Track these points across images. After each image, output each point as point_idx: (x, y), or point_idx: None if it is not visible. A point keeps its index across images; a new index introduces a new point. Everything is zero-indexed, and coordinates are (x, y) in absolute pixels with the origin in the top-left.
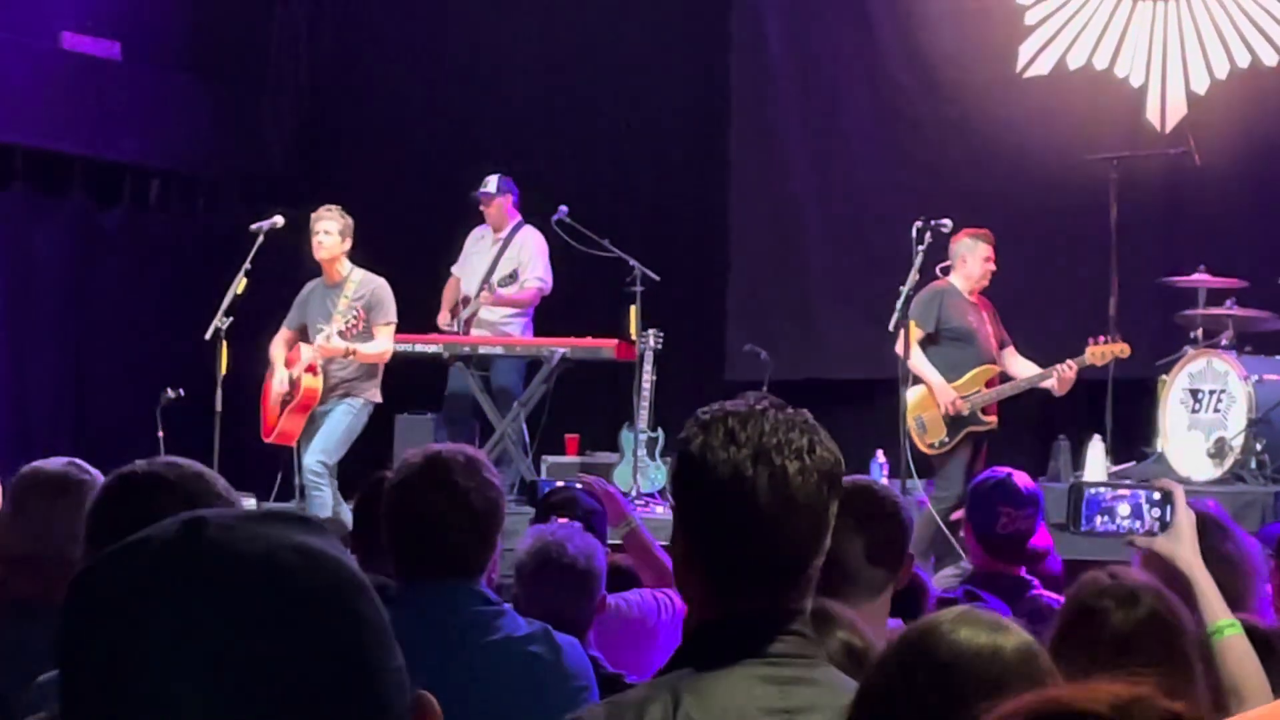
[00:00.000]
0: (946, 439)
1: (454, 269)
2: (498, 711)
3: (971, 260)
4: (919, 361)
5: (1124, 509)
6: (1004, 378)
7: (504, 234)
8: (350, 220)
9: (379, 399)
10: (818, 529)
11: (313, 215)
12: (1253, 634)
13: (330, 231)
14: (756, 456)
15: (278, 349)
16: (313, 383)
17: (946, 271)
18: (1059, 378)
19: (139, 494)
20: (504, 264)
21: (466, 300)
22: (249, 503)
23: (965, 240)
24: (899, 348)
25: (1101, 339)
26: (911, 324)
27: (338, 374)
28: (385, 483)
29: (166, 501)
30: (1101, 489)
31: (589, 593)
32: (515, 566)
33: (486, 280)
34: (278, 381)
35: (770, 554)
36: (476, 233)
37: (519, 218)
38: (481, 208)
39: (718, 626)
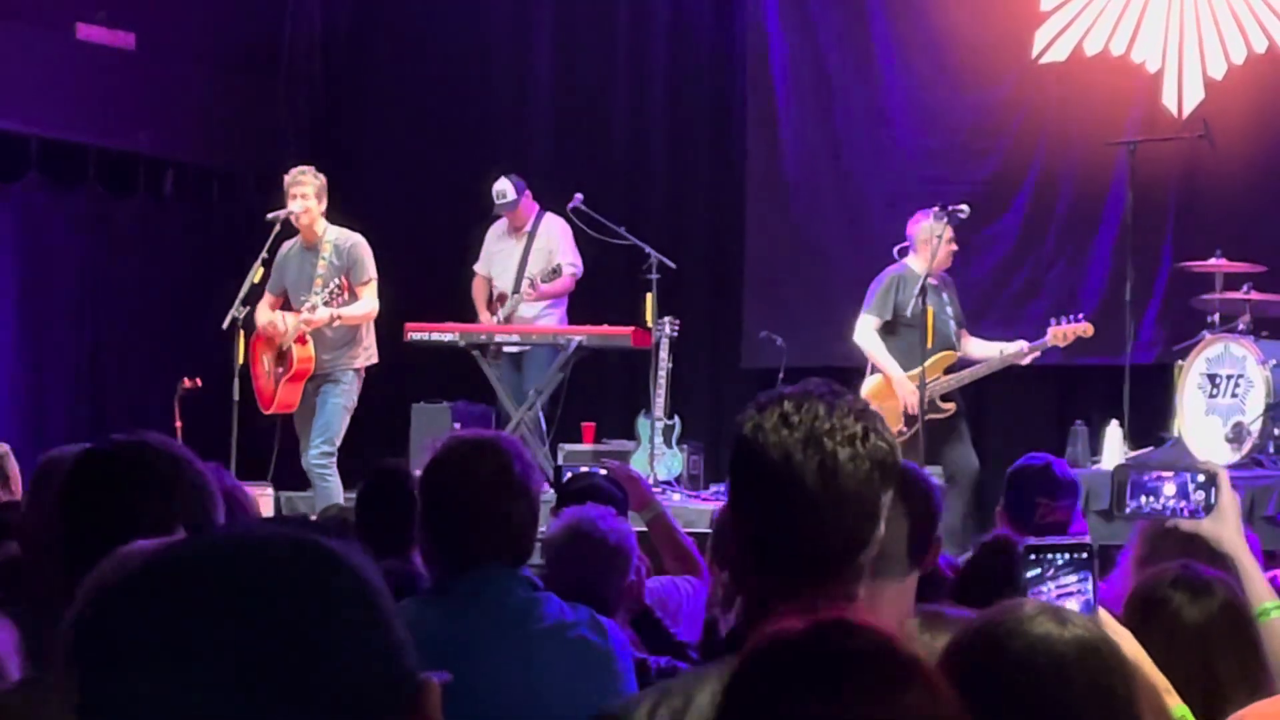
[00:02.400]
0: (904, 429)
1: (478, 268)
2: (556, 697)
3: (935, 243)
4: (876, 351)
5: (1169, 489)
6: (964, 362)
7: (527, 227)
8: (324, 180)
9: (374, 359)
10: (868, 518)
11: (286, 178)
12: None
13: (307, 195)
14: (808, 441)
15: (263, 315)
16: (304, 353)
17: (904, 254)
18: (1023, 358)
19: (111, 475)
20: (535, 257)
21: (503, 298)
22: (265, 492)
23: (925, 224)
24: (859, 337)
25: (1065, 320)
26: (867, 314)
27: (323, 348)
28: (401, 471)
29: (147, 487)
30: (1146, 471)
31: (619, 570)
32: (544, 545)
33: (520, 276)
34: (269, 349)
35: (817, 540)
36: (497, 229)
37: (537, 207)
38: (503, 214)
39: (759, 612)
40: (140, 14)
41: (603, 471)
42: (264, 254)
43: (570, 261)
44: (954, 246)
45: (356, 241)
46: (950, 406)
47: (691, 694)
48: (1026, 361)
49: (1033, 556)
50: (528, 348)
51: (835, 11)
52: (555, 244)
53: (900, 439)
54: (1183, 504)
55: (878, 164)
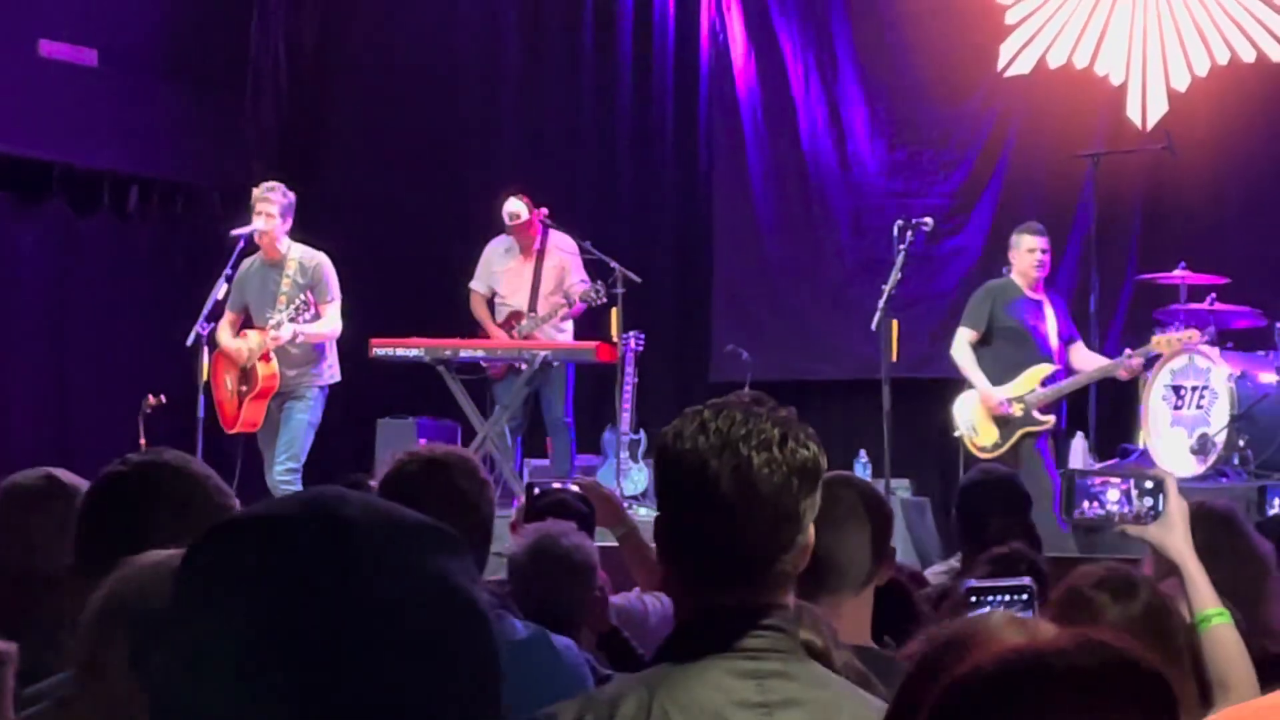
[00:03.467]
0: (999, 441)
1: (476, 285)
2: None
3: (1016, 254)
4: (966, 364)
5: (1113, 495)
6: (1069, 374)
7: (536, 245)
8: (292, 197)
9: (337, 377)
10: (784, 523)
11: (255, 192)
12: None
13: (272, 213)
14: (723, 446)
15: (224, 333)
16: (269, 369)
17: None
18: (1124, 367)
19: (124, 494)
20: (547, 275)
21: (518, 315)
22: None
23: (1013, 236)
24: (954, 350)
25: (1170, 328)
26: (961, 327)
27: (287, 365)
28: (360, 486)
29: (158, 504)
30: (1092, 476)
31: (584, 585)
32: (510, 561)
33: (535, 294)
34: (231, 368)
35: (733, 546)
36: (499, 246)
37: (542, 227)
38: (514, 233)
39: (693, 621)
40: (103, 30)
41: (574, 487)
42: (228, 270)
43: (582, 279)
44: (1035, 256)
45: (321, 261)
46: (1049, 420)
47: (617, 703)
48: (1126, 376)
49: (973, 599)
50: (554, 364)
51: (799, 27)
52: (567, 262)
53: (996, 451)
54: (1127, 509)
55: (843, 177)
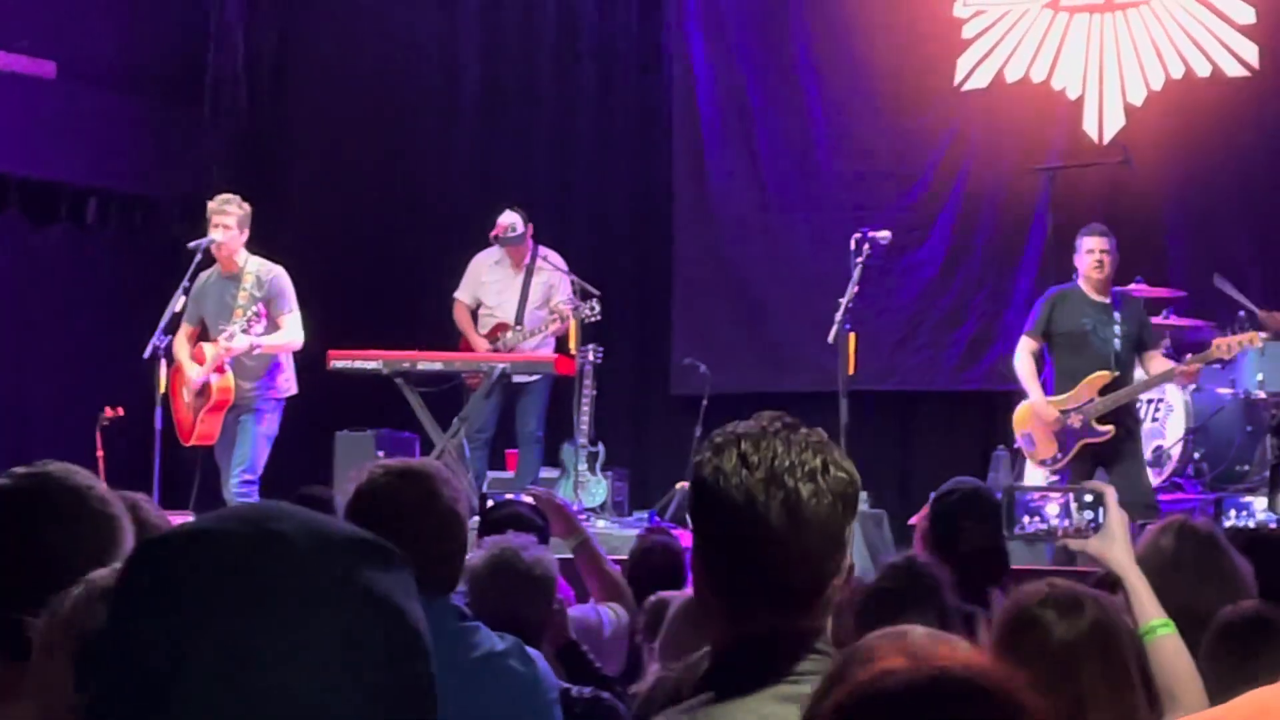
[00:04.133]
0: (1059, 455)
1: (462, 295)
2: None
3: (1078, 258)
4: (1023, 373)
5: (1052, 509)
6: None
7: (527, 260)
8: (248, 210)
9: (294, 389)
10: (833, 549)
11: (210, 205)
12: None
13: (229, 225)
14: (769, 480)
15: (181, 347)
16: (223, 383)
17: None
18: (1180, 373)
19: (9, 509)
20: (535, 291)
21: (504, 327)
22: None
23: (1076, 238)
24: (1014, 359)
25: (1229, 331)
26: (1023, 336)
27: (244, 378)
28: (324, 499)
29: (42, 517)
30: (1031, 491)
31: (543, 599)
32: (469, 573)
33: (522, 308)
34: (187, 383)
35: (786, 577)
36: (488, 258)
37: (532, 243)
38: (505, 245)
39: (737, 651)
40: (61, 42)
41: (527, 499)
42: (185, 282)
43: (569, 296)
44: (1093, 258)
45: (278, 273)
46: (1108, 429)
47: None
48: (1185, 383)
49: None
50: (533, 378)
51: (758, 41)
52: (557, 280)
53: (1055, 465)
54: (1067, 523)
55: (802, 191)
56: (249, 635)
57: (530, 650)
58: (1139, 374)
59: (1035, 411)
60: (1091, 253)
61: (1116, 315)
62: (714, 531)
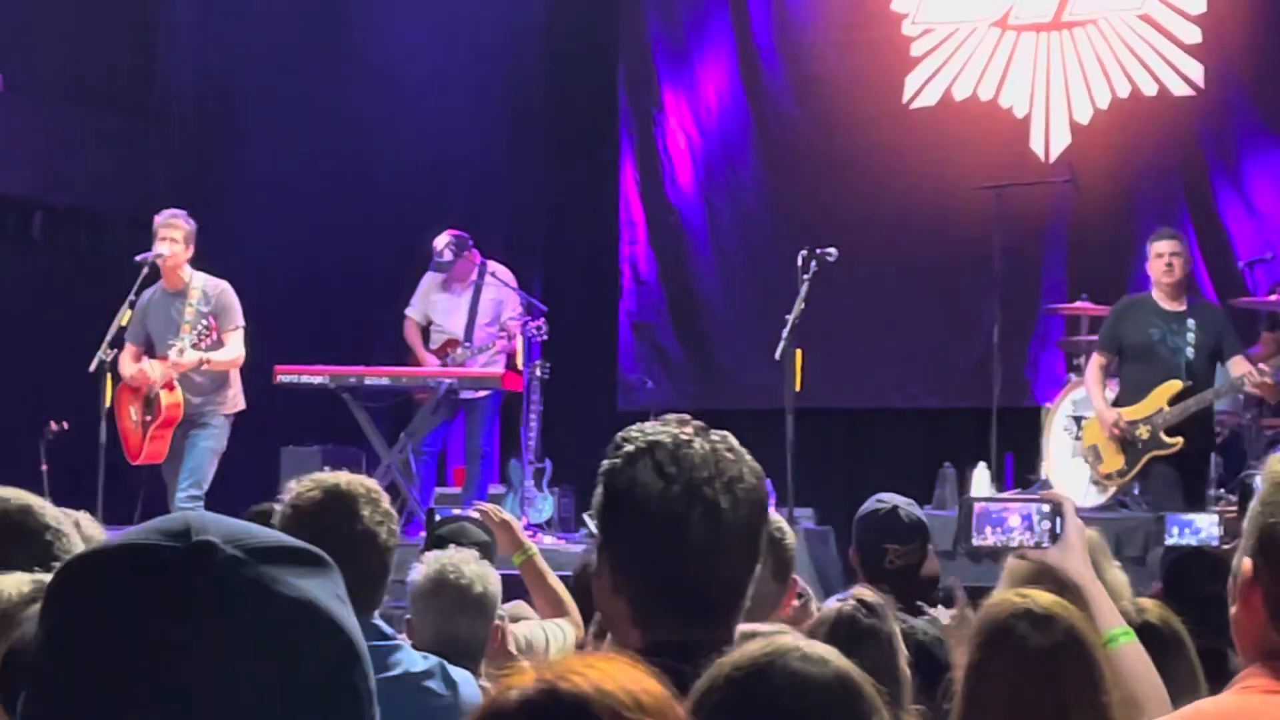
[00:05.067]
0: (1125, 468)
1: (411, 313)
2: None
3: (1149, 264)
4: (1089, 386)
5: (1014, 520)
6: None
7: (472, 278)
8: (194, 226)
9: (242, 405)
10: (751, 558)
11: (157, 219)
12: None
13: (176, 240)
14: (688, 491)
15: (126, 367)
16: (172, 399)
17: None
18: (1251, 384)
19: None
20: (484, 307)
21: (453, 343)
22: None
23: (1146, 246)
24: (1086, 376)
25: None
26: (1095, 351)
27: (192, 392)
28: (268, 515)
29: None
30: (991, 503)
31: (484, 617)
32: (410, 589)
33: (471, 325)
34: (134, 400)
35: (704, 587)
36: (438, 276)
37: (479, 258)
38: (455, 271)
39: (644, 657)
40: (7, 55)
41: (474, 514)
42: (131, 296)
43: (519, 312)
44: (1161, 262)
45: (225, 288)
46: (1175, 442)
47: None
48: (1258, 393)
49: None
50: (481, 393)
51: (709, 59)
52: (505, 295)
53: (1121, 479)
54: (1028, 535)
55: (750, 207)
56: (177, 643)
57: (456, 671)
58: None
59: (1100, 422)
60: (1161, 256)
61: (1190, 324)
62: (627, 541)
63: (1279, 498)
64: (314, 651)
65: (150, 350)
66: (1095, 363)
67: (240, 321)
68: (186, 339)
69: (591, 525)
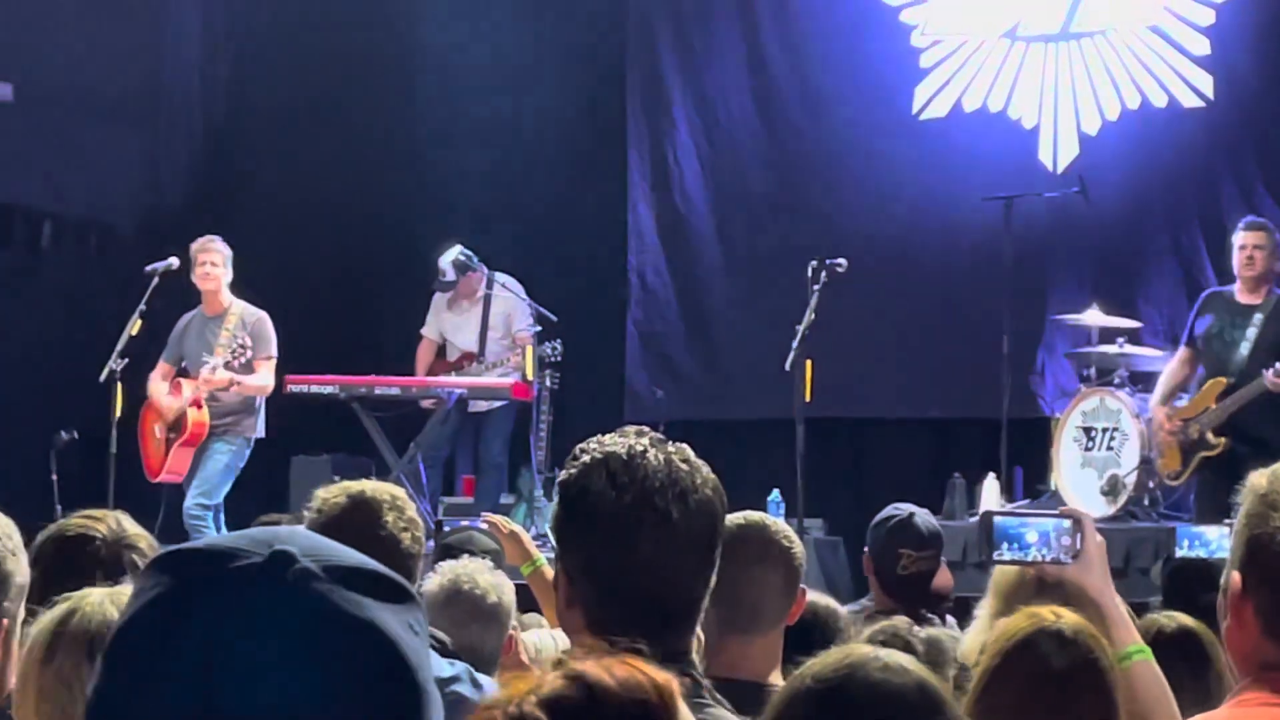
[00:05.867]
0: (1180, 469)
1: (426, 332)
2: None
3: (1233, 255)
4: (1159, 381)
5: (1032, 536)
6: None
7: (479, 294)
8: (230, 251)
9: (261, 433)
10: (705, 569)
11: (194, 246)
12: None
13: (216, 263)
14: (640, 500)
15: (156, 384)
16: (199, 417)
17: None
18: (1270, 381)
19: (72, 551)
20: (494, 321)
21: (470, 357)
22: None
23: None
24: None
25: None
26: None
27: (218, 410)
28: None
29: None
30: (1011, 518)
31: (498, 626)
32: (424, 599)
33: (484, 339)
34: (159, 419)
35: (657, 598)
36: (444, 295)
37: (485, 272)
38: (460, 290)
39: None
40: (18, 64)
41: (482, 524)
42: (142, 306)
43: (529, 324)
44: (1242, 255)
45: (262, 318)
46: (1220, 442)
47: None
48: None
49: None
50: (498, 404)
51: (718, 70)
52: (513, 307)
53: (1178, 480)
54: (1046, 551)
55: (759, 218)
56: (238, 649)
57: (481, 676)
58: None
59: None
60: (1243, 249)
61: (1256, 318)
62: (581, 551)
63: (1262, 509)
64: (370, 672)
65: (183, 372)
66: (1175, 357)
67: (273, 352)
68: (219, 358)
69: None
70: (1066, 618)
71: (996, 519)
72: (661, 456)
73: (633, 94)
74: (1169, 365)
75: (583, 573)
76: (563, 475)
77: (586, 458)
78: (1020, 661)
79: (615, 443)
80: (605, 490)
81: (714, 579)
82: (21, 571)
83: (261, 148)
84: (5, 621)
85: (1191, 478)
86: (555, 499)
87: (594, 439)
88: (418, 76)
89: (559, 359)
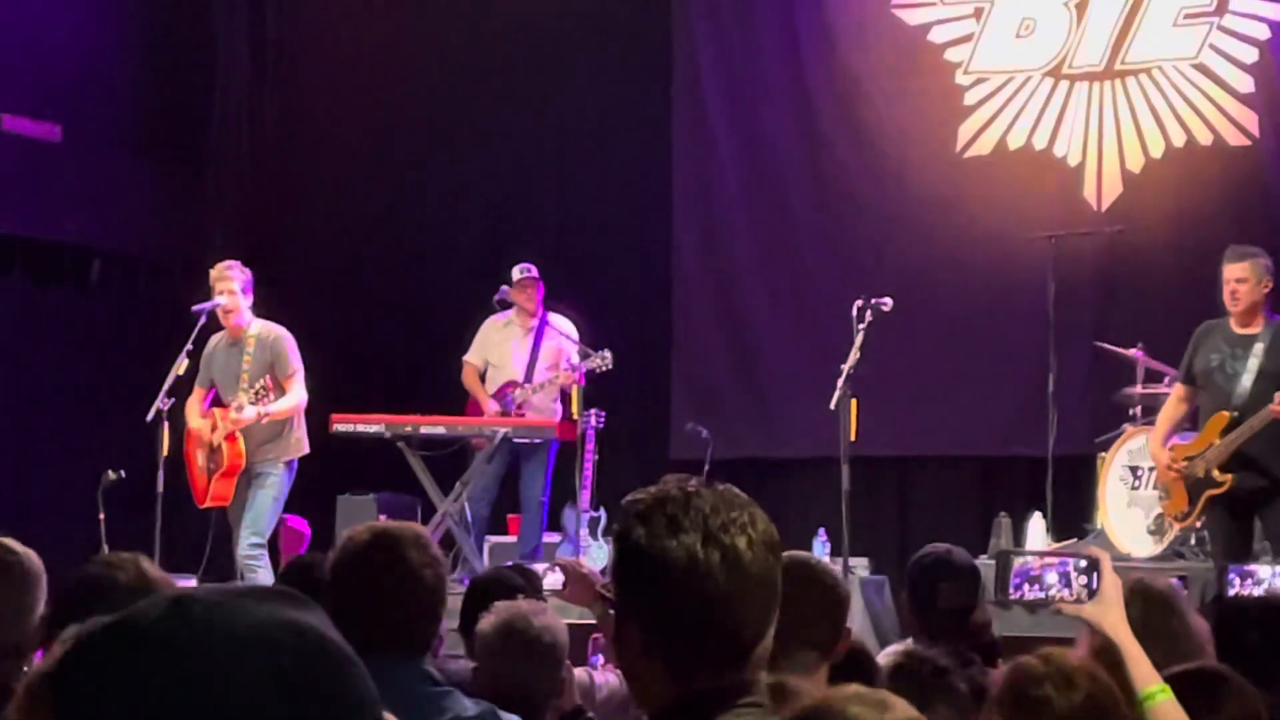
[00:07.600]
0: (1187, 509)
1: (471, 358)
2: None
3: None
4: (1158, 419)
5: (1051, 577)
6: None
7: (535, 322)
8: (250, 274)
9: (305, 449)
10: (772, 599)
11: (212, 272)
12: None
13: (232, 290)
14: (706, 539)
15: (193, 410)
16: (235, 449)
17: None
18: (1274, 410)
19: (90, 596)
20: (544, 355)
21: (513, 384)
22: (190, 584)
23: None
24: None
25: None
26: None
27: (254, 441)
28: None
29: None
30: (1029, 558)
31: (553, 667)
32: (479, 639)
33: (532, 368)
34: (200, 446)
35: (733, 632)
36: (497, 321)
37: (541, 293)
38: (516, 297)
39: (679, 709)
40: (65, 104)
41: (556, 569)
42: (189, 346)
43: (572, 366)
44: (1227, 289)
45: (280, 334)
46: (1226, 479)
47: None
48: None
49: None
50: (536, 440)
51: (765, 107)
52: (566, 346)
53: (1187, 520)
54: (1065, 591)
55: (805, 256)
56: (171, 695)
57: (506, 716)
58: None
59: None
60: (1226, 283)
61: (1257, 347)
62: (652, 599)
63: None
64: (319, 671)
65: (217, 397)
66: (1173, 395)
67: (296, 366)
68: (245, 394)
69: (607, 593)
70: (1066, 660)
71: (1015, 559)
72: (713, 495)
73: (679, 135)
74: (1165, 405)
75: (659, 621)
76: (619, 528)
77: (640, 507)
78: (1025, 706)
79: (664, 489)
80: (669, 534)
81: (778, 611)
82: None
83: (308, 185)
84: None
85: (1200, 516)
86: (614, 551)
87: (639, 490)
88: (460, 117)
89: (609, 367)
